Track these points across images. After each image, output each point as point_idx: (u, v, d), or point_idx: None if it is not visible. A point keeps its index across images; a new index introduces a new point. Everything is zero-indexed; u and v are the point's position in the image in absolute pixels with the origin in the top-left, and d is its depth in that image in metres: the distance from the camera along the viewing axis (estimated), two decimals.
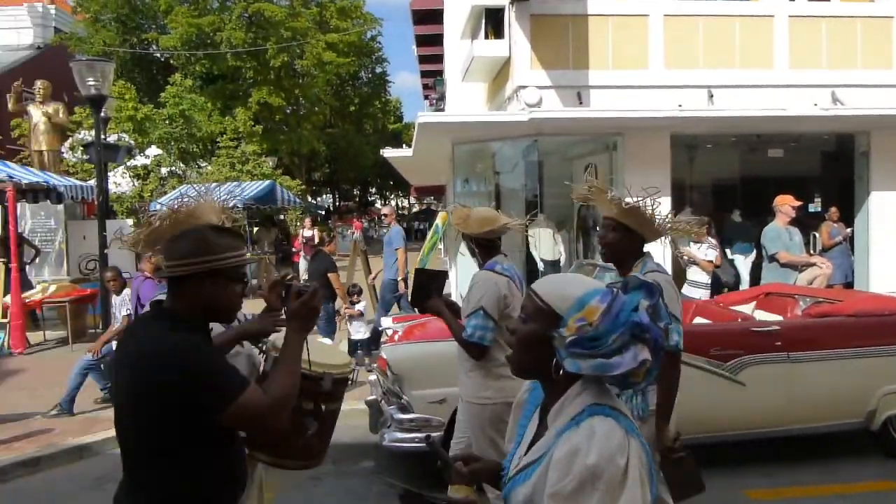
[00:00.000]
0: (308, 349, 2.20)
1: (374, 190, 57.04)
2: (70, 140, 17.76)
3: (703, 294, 8.14)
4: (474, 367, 3.49)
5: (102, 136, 10.36)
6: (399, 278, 9.22)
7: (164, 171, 19.10)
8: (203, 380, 1.87)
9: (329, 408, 2.64)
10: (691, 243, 8.96)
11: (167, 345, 1.89)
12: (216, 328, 2.35)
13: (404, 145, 22.17)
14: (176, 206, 2.65)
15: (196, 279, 1.98)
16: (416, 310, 4.01)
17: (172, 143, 20.05)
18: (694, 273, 8.48)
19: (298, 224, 24.51)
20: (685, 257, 8.41)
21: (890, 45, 10.87)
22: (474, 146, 12.15)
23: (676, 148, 10.91)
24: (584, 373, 1.51)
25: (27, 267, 11.08)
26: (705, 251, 8.52)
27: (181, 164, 20.35)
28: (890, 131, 10.48)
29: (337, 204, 48.81)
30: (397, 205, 58.50)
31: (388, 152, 15.87)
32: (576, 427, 1.48)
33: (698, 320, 5.75)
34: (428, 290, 3.65)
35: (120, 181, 18.05)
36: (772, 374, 4.92)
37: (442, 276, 3.87)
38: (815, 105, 10.15)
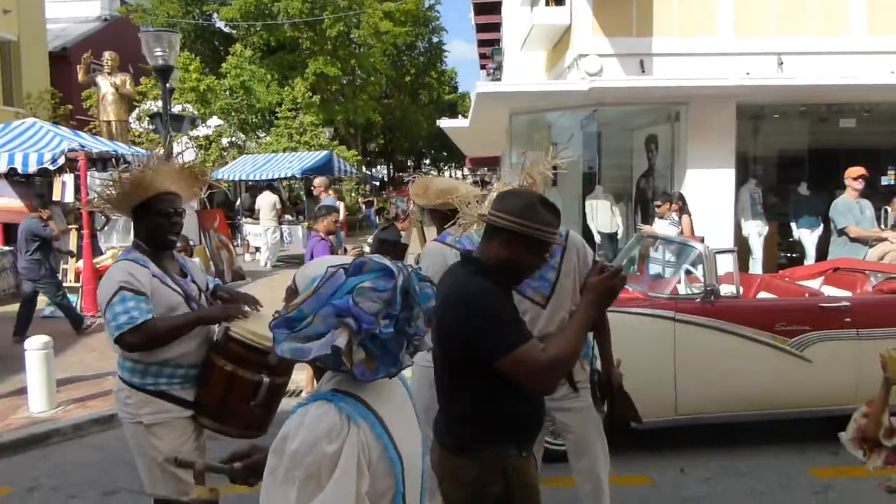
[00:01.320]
0: (254, 323, 2.26)
1: (428, 161, 57.05)
2: (137, 110, 18.27)
3: None
4: None
5: (168, 107, 10.62)
6: None
7: (224, 141, 19.52)
8: (490, 324, 2.03)
9: (276, 381, 2.74)
10: (656, 219, 8.84)
11: (468, 287, 2.11)
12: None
13: (460, 116, 22.08)
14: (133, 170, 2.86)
15: (510, 236, 2.13)
16: None
17: (233, 114, 20.44)
18: None
19: (355, 194, 24.80)
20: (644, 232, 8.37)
21: None
22: (532, 116, 12.02)
23: (742, 118, 10.59)
24: (285, 355, 1.39)
25: (98, 234, 11.51)
26: (667, 227, 8.46)
27: (241, 135, 20.74)
28: None
29: (392, 175, 49.06)
30: (451, 175, 58.44)
31: (444, 122, 15.85)
32: (294, 412, 1.41)
33: (763, 294, 5.61)
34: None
35: (183, 151, 18.54)
36: (840, 351, 4.78)
37: (401, 246, 3.84)
38: (893, 73, 9.67)
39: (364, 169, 34.16)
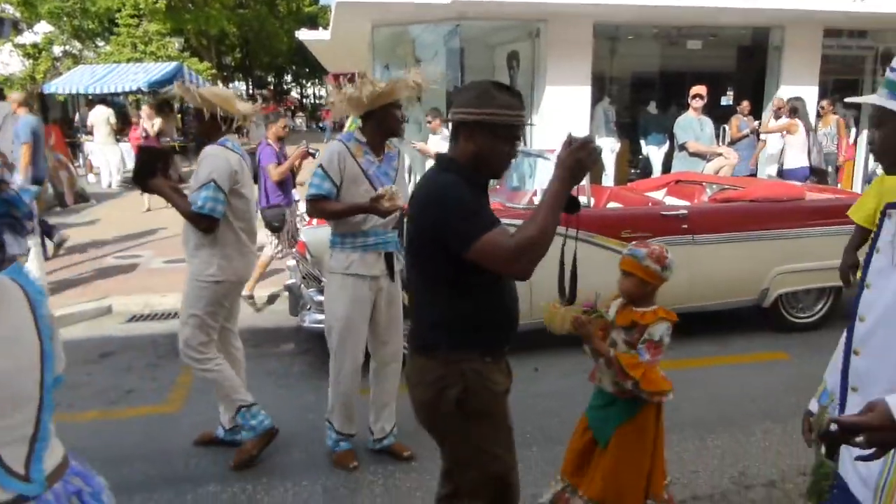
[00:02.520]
0: None
1: (289, 78, 54.69)
2: None
3: None
4: (201, 244, 3.48)
5: None
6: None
7: (57, 50, 17.64)
8: (457, 214, 2.03)
9: None
10: (430, 135, 9.23)
11: (435, 183, 2.15)
12: None
13: (321, 29, 21.15)
14: None
15: (473, 127, 2.12)
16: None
17: (65, 19, 18.43)
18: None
19: None
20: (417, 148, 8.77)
21: None
22: (394, 30, 11.72)
23: (599, 38, 10.85)
24: None
25: None
26: (439, 142, 8.84)
27: (76, 43, 18.82)
28: (803, 26, 10.73)
29: (251, 91, 46.65)
30: (314, 93, 56.52)
31: (303, 34, 15.16)
32: None
33: (613, 205, 5.91)
34: (153, 168, 3.52)
35: (8, 60, 16.60)
36: (677, 255, 5.10)
37: (168, 154, 3.82)
38: None
39: (220, 85, 32.18)
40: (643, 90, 12.48)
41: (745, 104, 10.51)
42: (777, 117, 9.55)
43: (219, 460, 3.73)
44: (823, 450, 1.54)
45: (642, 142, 11.40)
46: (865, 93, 12.45)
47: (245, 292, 6.60)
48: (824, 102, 10.32)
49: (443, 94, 12.30)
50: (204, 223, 3.39)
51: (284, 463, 3.70)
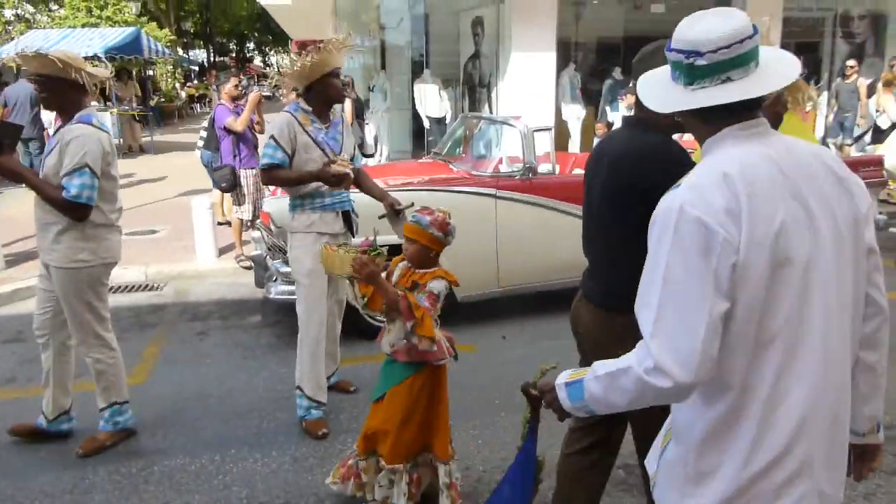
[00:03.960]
0: None
1: (252, 46, 53.50)
2: None
3: None
4: (66, 230, 3.28)
5: None
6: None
7: (8, 13, 17.00)
8: (670, 173, 1.91)
9: None
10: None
11: (647, 143, 2.15)
12: None
13: None
14: None
15: None
16: None
17: None
18: None
19: (171, 79, 22.84)
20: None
21: None
22: None
23: (563, 3, 10.78)
24: None
25: None
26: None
27: (28, 7, 18.14)
28: None
29: (212, 59, 45.58)
30: (277, 63, 55.28)
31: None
32: None
33: (578, 171, 5.95)
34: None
35: None
36: None
37: (17, 129, 3.55)
38: None
39: (181, 51, 31.40)
40: (608, 55, 12.48)
41: None
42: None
43: (187, 432, 3.73)
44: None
45: (607, 108, 11.43)
46: (825, 56, 12.62)
47: (237, 253, 6.87)
48: (851, 62, 10.59)
49: (409, 61, 12.18)
50: (79, 212, 3.21)
51: (254, 434, 3.71)
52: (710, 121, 1.46)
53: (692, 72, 1.44)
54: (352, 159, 3.82)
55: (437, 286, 2.76)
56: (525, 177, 4.99)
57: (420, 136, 11.60)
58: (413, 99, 11.33)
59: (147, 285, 6.43)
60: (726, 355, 1.37)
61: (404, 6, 11.88)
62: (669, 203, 1.40)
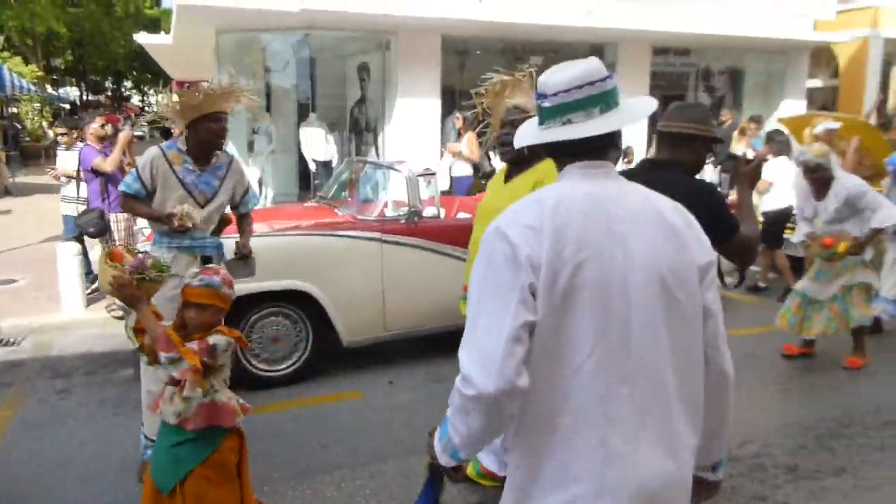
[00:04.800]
0: None
1: (129, 84, 51.44)
2: None
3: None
4: None
5: None
6: None
7: None
8: (725, 209, 2.54)
9: None
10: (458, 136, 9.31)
11: (697, 183, 2.62)
12: None
13: (163, 34, 20.07)
14: None
15: (695, 140, 2.66)
16: None
17: None
18: None
19: (38, 117, 21.56)
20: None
21: None
22: (242, 36, 11.35)
23: (448, 52, 11.08)
24: None
25: None
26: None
27: None
28: (634, 45, 11.54)
29: (85, 97, 43.41)
30: (157, 101, 53.35)
31: (142, 38, 14.33)
32: None
33: (463, 214, 6.03)
34: None
35: None
36: None
37: None
38: (590, 13, 10.75)
39: (49, 88, 29.70)
40: None
41: None
42: None
43: (44, 503, 3.39)
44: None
45: (491, 153, 11.73)
46: None
47: (107, 302, 6.37)
48: None
49: (294, 105, 12.07)
50: None
51: (125, 493, 3.42)
52: (558, 158, 1.58)
53: (541, 112, 1.57)
54: (236, 207, 3.79)
55: (217, 338, 2.44)
56: (410, 221, 5.00)
57: (306, 180, 11.45)
58: (299, 142, 11.21)
59: (2, 340, 5.89)
60: (532, 370, 1.41)
61: (289, 50, 11.81)
62: (491, 225, 1.49)
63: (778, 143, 7.24)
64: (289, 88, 12.34)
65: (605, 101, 1.51)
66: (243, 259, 3.65)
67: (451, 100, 11.88)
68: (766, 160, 5.39)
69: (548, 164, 2.68)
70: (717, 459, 1.70)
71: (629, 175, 2.74)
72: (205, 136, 3.55)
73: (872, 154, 6.40)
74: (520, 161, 2.95)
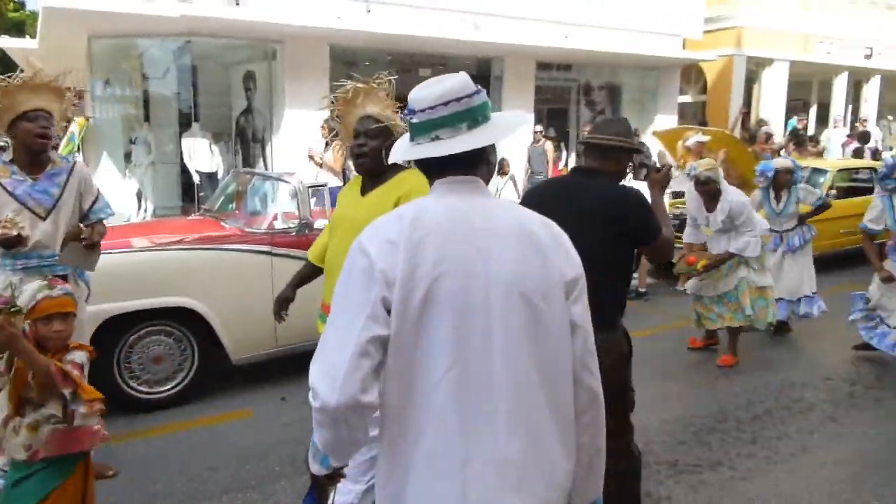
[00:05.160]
0: None
1: None
2: None
3: None
4: None
5: None
6: None
7: None
8: (650, 213, 2.72)
9: None
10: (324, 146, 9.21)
11: (624, 189, 2.78)
12: None
13: (28, 38, 18.78)
14: None
15: (621, 152, 2.84)
16: None
17: None
18: None
19: None
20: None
21: None
22: (117, 42, 10.79)
23: (336, 62, 10.99)
24: None
25: None
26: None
27: None
28: (519, 59, 11.89)
29: None
30: None
31: (4, 42, 13.36)
32: None
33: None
34: None
35: None
36: None
37: None
38: (476, 27, 10.96)
39: None
40: None
41: None
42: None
43: None
44: None
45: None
46: (572, 120, 14.14)
47: None
48: (538, 127, 11.48)
49: (176, 113, 11.59)
50: None
51: None
52: (428, 174, 1.58)
53: (411, 129, 1.55)
54: (85, 217, 3.47)
55: (80, 356, 2.34)
56: (301, 233, 4.90)
57: (189, 192, 11.01)
58: (181, 153, 10.77)
59: None
60: (392, 386, 1.42)
61: (169, 57, 11.34)
62: (355, 240, 1.48)
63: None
64: (169, 97, 11.84)
65: (472, 117, 1.51)
66: (85, 247, 3.31)
67: None
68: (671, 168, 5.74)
69: (416, 179, 2.59)
70: (593, 499, 1.62)
71: (561, 182, 3.15)
72: (24, 139, 3.26)
73: (738, 166, 6.87)
74: (377, 173, 2.80)
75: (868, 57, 17.47)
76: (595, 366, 1.55)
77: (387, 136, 2.72)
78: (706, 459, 3.86)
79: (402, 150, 1.60)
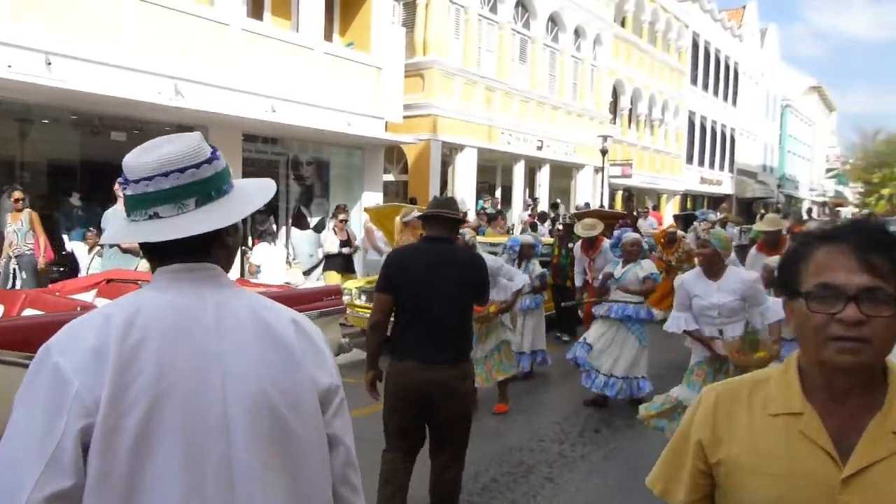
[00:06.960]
0: None
1: None
2: None
3: None
4: None
5: None
6: None
7: None
8: (487, 278, 3.73)
9: None
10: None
11: (471, 254, 4.06)
12: None
13: None
14: None
15: (455, 223, 3.64)
16: None
17: None
18: None
19: None
20: None
21: (227, 50, 11.68)
22: None
23: (6, 119, 9.46)
24: None
25: None
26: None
27: None
28: (225, 130, 11.39)
29: None
30: None
31: None
32: None
33: (30, 312, 4.97)
34: None
35: None
36: None
37: None
38: (160, 94, 10.22)
39: None
40: (63, 180, 11.35)
41: None
42: None
43: None
44: None
45: (65, 237, 10.27)
46: (282, 194, 13.90)
47: None
48: None
49: None
50: None
51: None
52: (151, 259, 1.25)
53: (127, 202, 1.23)
54: None
55: None
56: None
57: None
58: None
59: None
60: None
61: None
62: (44, 345, 1.14)
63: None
64: None
65: (201, 191, 1.21)
66: None
67: (10, 171, 10.13)
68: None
69: None
70: None
71: (415, 250, 3.71)
72: None
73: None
74: None
75: (539, 148, 20.15)
76: (357, 479, 1.31)
77: None
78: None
79: (114, 230, 1.29)
